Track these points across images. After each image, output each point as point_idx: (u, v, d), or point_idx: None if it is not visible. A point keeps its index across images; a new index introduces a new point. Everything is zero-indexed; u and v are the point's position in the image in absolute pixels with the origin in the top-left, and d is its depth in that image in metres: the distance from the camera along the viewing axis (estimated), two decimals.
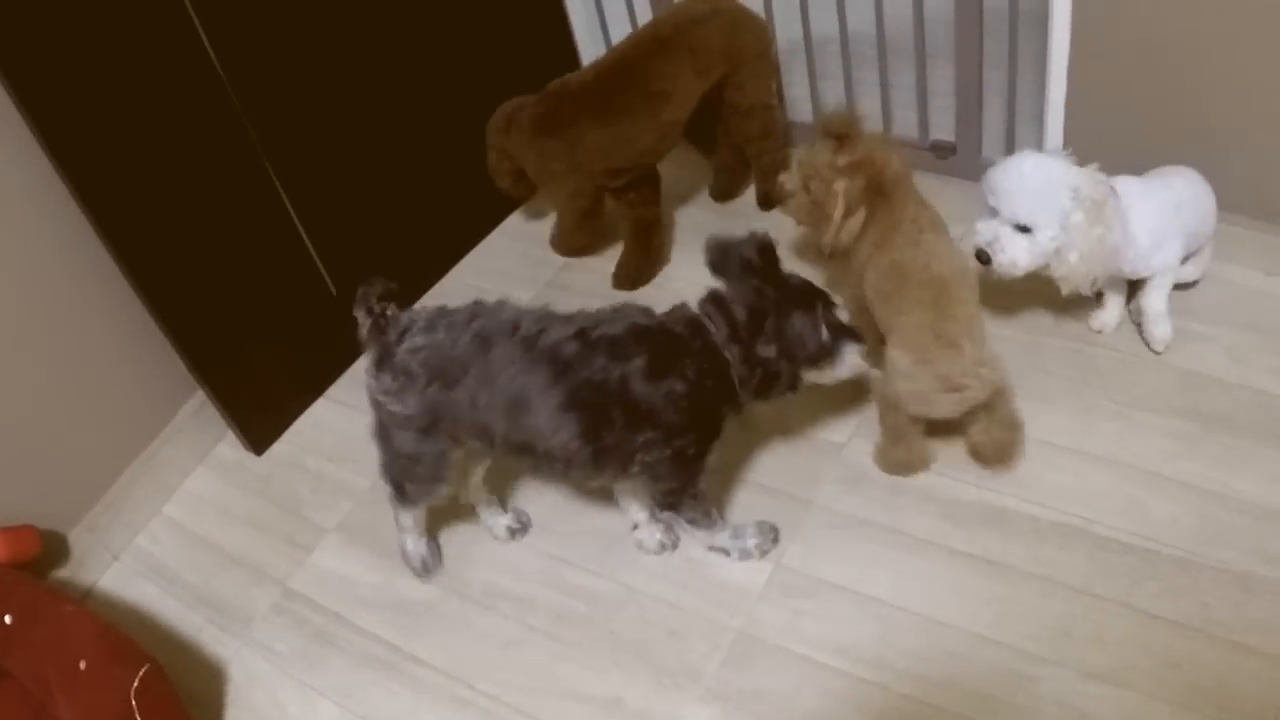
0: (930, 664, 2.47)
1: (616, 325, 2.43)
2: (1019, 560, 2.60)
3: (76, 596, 3.04)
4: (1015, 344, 3.08)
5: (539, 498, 3.04)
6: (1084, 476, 2.73)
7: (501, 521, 2.94)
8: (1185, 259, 2.95)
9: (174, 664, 2.71)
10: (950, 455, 2.84)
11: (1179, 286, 3.01)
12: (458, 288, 3.81)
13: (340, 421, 3.45)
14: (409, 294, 3.64)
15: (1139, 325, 3.02)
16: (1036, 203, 2.66)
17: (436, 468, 2.59)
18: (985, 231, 2.74)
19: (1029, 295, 3.17)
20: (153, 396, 3.25)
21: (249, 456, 3.39)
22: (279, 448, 3.41)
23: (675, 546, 2.84)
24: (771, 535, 2.77)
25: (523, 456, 2.50)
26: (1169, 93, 3.04)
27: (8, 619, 2.62)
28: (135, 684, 2.41)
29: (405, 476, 2.65)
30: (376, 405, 2.55)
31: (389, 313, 2.50)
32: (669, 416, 2.40)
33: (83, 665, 2.47)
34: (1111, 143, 2.93)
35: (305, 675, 2.79)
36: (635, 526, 2.84)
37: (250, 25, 3.01)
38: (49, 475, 3.03)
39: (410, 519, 2.83)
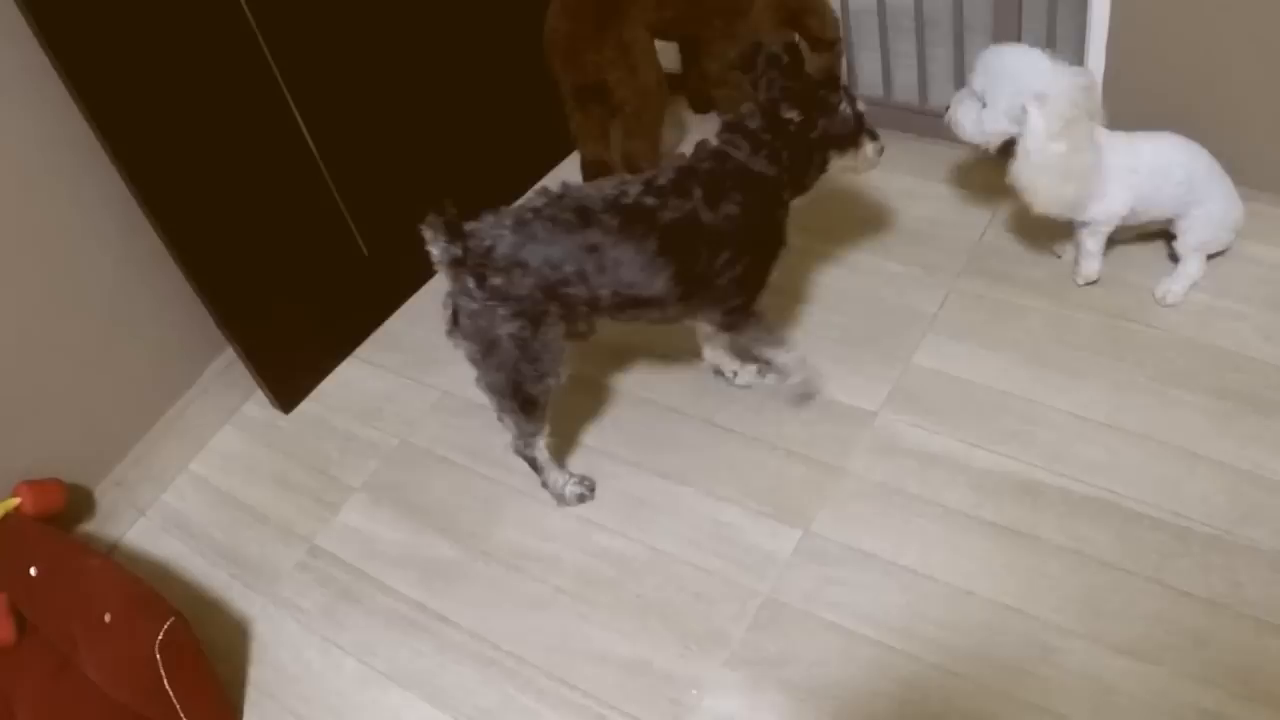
0: (958, 634, 2.46)
1: (667, 173, 2.65)
2: (1049, 533, 2.58)
3: (102, 551, 3.05)
4: (1046, 316, 3.07)
5: (570, 453, 3.05)
6: (1116, 452, 2.71)
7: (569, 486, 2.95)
8: (1158, 224, 3.06)
9: (199, 619, 2.72)
10: (985, 429, 2.83)
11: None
12: None
13: (369, 381, 3.45)
14: None
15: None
16: (995, 83, 2.79)
17: (553, 357, 2.65)
18: (956, 98, 2.89)
19: (1061, 267, 3.17)
20: (182, 353, 3.26)
21: (277, 415, 3.40)
22: (307, 406, 3.41)
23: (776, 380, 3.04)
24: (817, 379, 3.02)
25: (624, 312, 2.68)
26: (1206, 73, 3.02)
27: (33, 571, 2.63)
28: (160, 637, 2.42)
29: (527, 379, 2.65)
30: (480, 316, 2.57)
31: (467, 229, 2.55)
32: (734, 235, 2.63)
33: (107, 618, 2.48)
34: (1147, 122, 2.91)
35: (330, 632, 2.80)
36: (734, 374, 3.10)
37: None
38: (76, 429, 3.03)
39: (544, 449, 2.85)
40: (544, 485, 2.93)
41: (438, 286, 3.60)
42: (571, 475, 2.94)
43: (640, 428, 3.06)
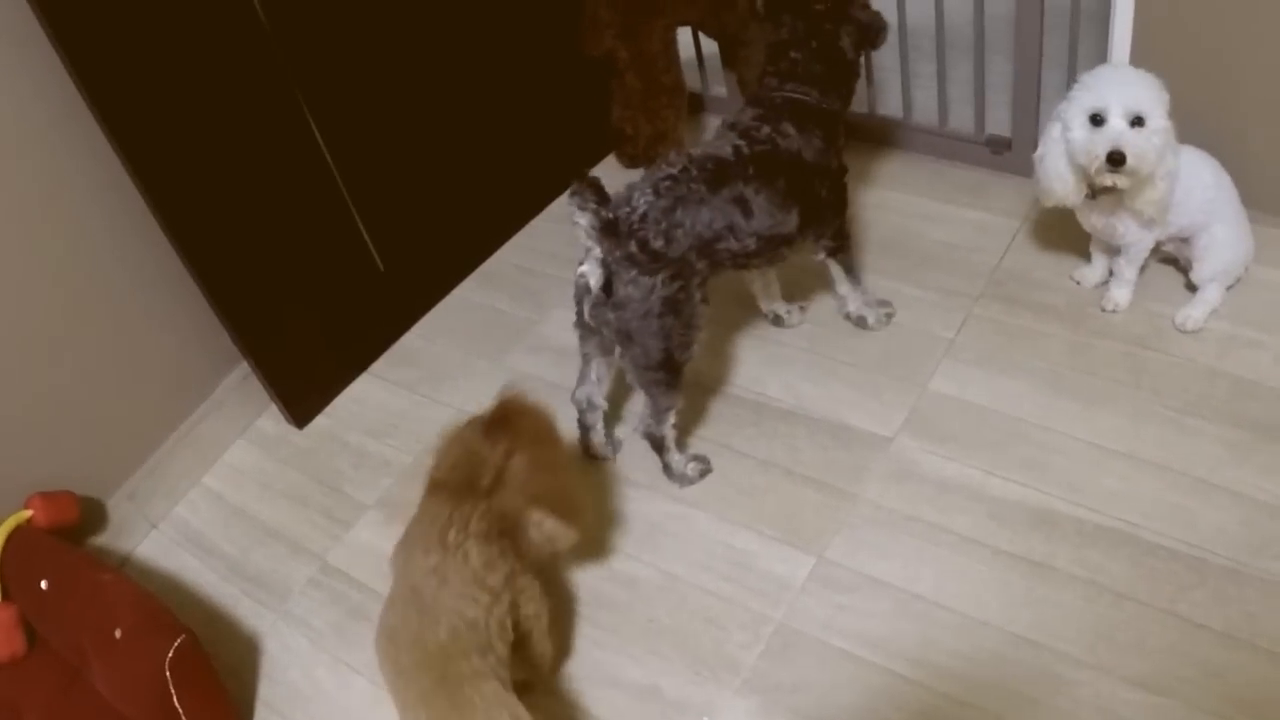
0: (971, 663, 2.44)
1: (750, 118, 2.83)
2: (1064, 563, 2.57)
3: (113, 564, 3.05)
4: (1064, 342, 3.06)
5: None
6: (1132, 481, 2.70)
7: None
8: (1168, 241, 3.04)
9: (209, 635, 2.72)
10: (1000, 457, 2.82)
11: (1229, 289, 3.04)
12: (503, 267, 3.81)
13: (383, 398, 3.44)
14: (452, 273, 3.65)
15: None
16: (1146, 90, 2.69)
17: (699, 320, 2.75)
18: (1102, 140, 2.70)
19: (1079, 293, 3.16)
20: (196, 367, 3.25)
21: (291, 430, 3.39)
22: (321, 422, 3.41)
23: (887, 318, 3.24)
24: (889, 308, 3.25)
25: (762, 255, 2.85)
26: (1224, 99, 3.01)
27: (44, 584, 2.63)
28: (170, 654, 2.41)
29: (677, 345, 2.71)
30: (640, 282, 2.62)
31: (608, 205, 2.59)
32: (825, 165, 2.86)
33: (118, 634, 2.48)
34: None
35: (341, 651, 2.79)
36: (789, 314, 3.30)
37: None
38: (90, 441, 3.03)
39: (673, 427, 2.88)
40: (665, 467, 2.95)
41: (452, 303, 3.64)
42: (689, 455, 2.97)
43: (648, 459, 3.03)
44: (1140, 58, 3.05)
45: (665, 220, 2.60)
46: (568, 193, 2.54)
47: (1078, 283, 3.19)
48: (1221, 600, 2.44)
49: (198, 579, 3.05)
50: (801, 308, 3.32)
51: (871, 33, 2.92)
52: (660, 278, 2.60)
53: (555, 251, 3.78)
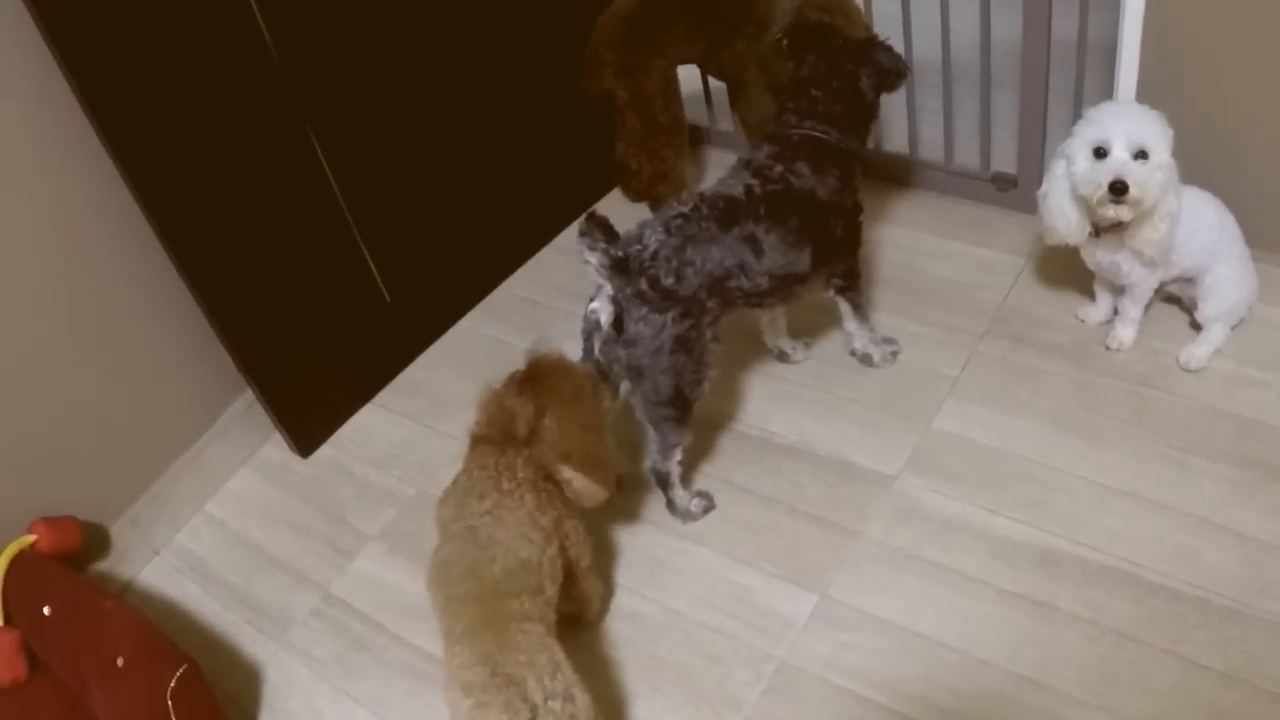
0: (973, 703, 2.44)
1: (765, 156, 2.84)
2: (1066, 603, 2.57)
3: (116, 590, 3.06)
4: (1068, 381, 3.06)
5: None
6: (1135, 520, 2.70)
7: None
8: (1171, 281, 3.04)
9: (211, 664, 2.71)
10: (1004, 495, 2.82)
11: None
12: (509, 299, 3.81)
13: (387, 428, 3.45)
14: (458, 304, 3.66)
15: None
16: (1150, 125, 2.68)
17: (710, 357, 2.77)
18: (1105, 171, 2.69)
19: (1084, 331, 3.17)
20: (201, 394, 3.25)
21: (294, 459, 3.39)
22: (325, 451, 3.41)
23: (893, 356, 3.24)
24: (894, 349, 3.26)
25: (775, 295, 2.86)
26: (1233, 136, 3.02)
27: (46, 610, 2.63)
28: (172, 684, 2.41)
29: (688, 382, 2.74)
30: (650, 319, 2.64)
31: (618, 243, 2.61)
32: (839, 205, 2.87)
33: (120, 662, 2.47)
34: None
35: (342, 682, 2.79)
36: (794, 350, 3.32)
37: (314, 30, 3.02)
38: (94, 467, 3.03)
39: (679, 464, 2.89)
40: (669, 503, 2.96)
41: (458, 334, 3.65)
42: (693, 492, 2.99)
43: (659, 487, 3.03)
44: (1146, 95, 3.06)
45: (676, 258, 2.63)
46: (578, 232, 2.56)
47: (1082, 321, 3.20)
48: (1224, 641, 2.43)
49: (199, 606, 3.04)
50: (806, 344, 3.33)
51: (892, 76, 2.91)
52: (671, 315, 2.62)
53: (561, 284, 3.79)
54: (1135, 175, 2.65)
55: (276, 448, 3.42)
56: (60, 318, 2.85)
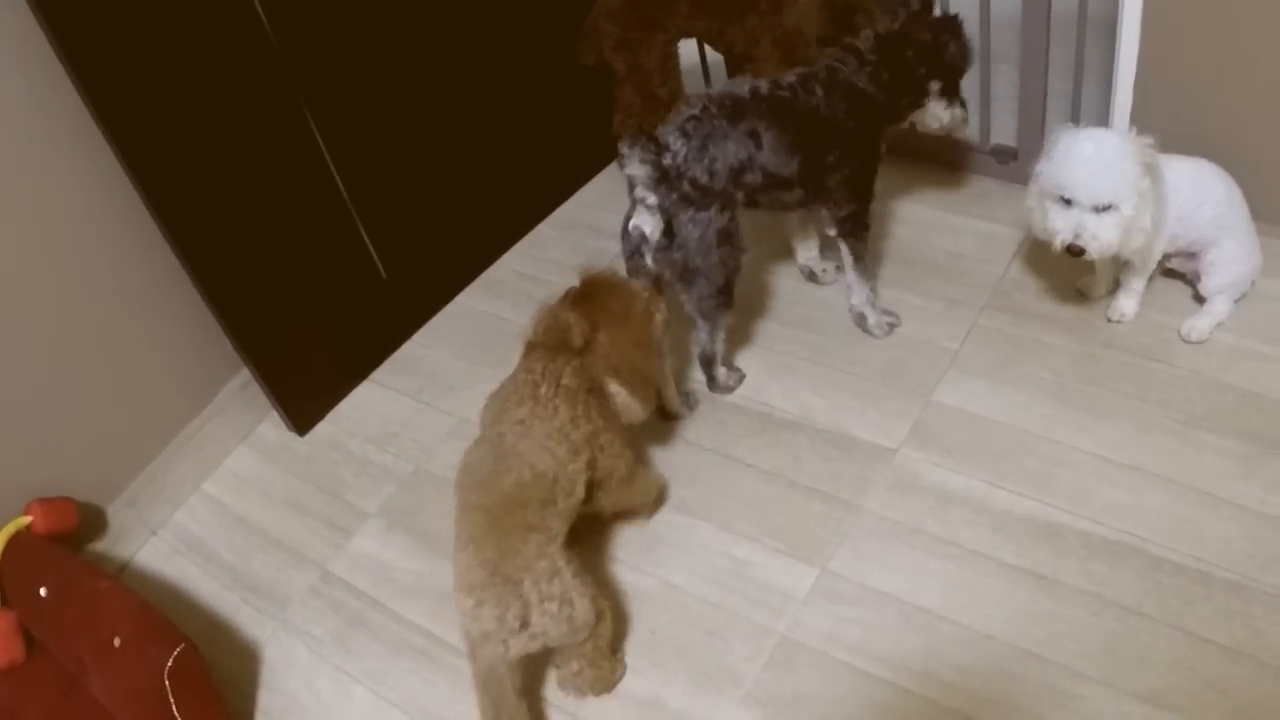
0: (975, 677, 2.43)
1: (790, 77, 2.91)
2: (1069, 576, 2.55)
3: (113, 570, 3.05)
4: (1069, 353, 3.05)
5: None
6: (1139, 494, 2.68)
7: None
8: (1175, 255, 3.02)
9: (208, 643, 2.71)
10: (1005, 469, 2.80)
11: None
12: (506, 275, 3.81)
13: (385, 405, 3.44)
14: (454, 280, 3.65)
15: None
16: (1114, 179, 2.65)
17: (741, 238, 2.91)
18: (1065, 225, 2.71)
19: (1085, 304, 3.15)
20: (197, 373, 3.24)
21: (292, 437, 3.39)
22: (322, 429, 3.40)
23: (889, 327, 3.25)
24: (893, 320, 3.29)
25: (768, 194, 2.93)
26: (1233, 107, 3.01)
27: (43, 591, 2.62)
28: (169, 664, 2.40)
29: (732, 269, 2.91)
30: (697, 219, 2.79)
31: (658, 143, 2.74)
32: (842, 138, 2.93)
33: (117, 642, 2.47)
34: (1176, 152, 2.88)
35: (341, 660, 2.78)
36: (824, 272, 3.44)
37: (309, 6, 3.00)
38: (90, 447, 3.02)
39: (723, 342, 3.09)
40: (710, 379, 3.18)
41: (455, 310, 3.64)
42: (730, 368, 3.21)
43: (657, 461, 3.04)
44: (1149, 68, 3.04)
45: (704, 156, 2.75)
46: (624, 147, 2.68)
47: (1083, 293, 3.17)
48: (1227, 614, 2.42)
49: (197, 586, 3.03)
50: (837, 267, 3.36)
51: (950, 71, 3.04)
52: (713, 210, 2.78)
53: (558, 259, 3.77)
54: (1093, 236, 2.69)
55: (273, 426, 3.42)
56: (55, 300, 2.84)
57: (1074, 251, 2.71)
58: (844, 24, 3.16)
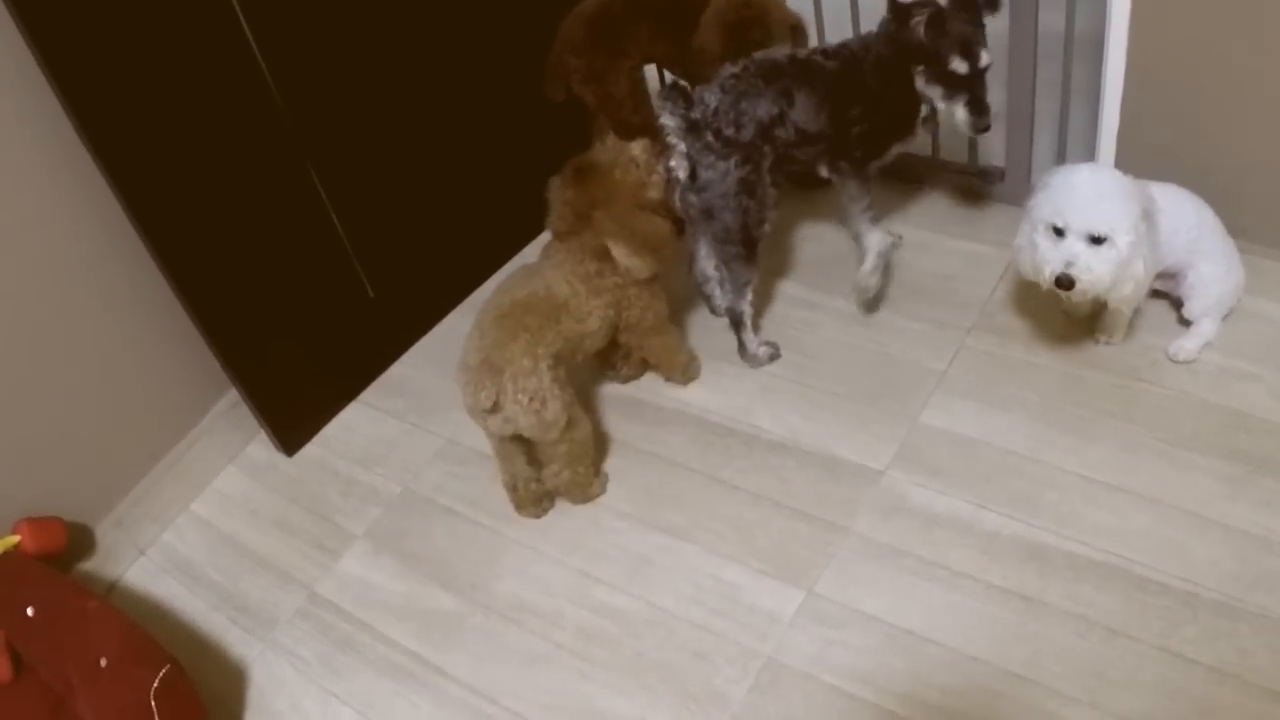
0: (962, 700, 2.43)
1: (833, 46, 3.09)
2: (1055, 598, 2.55)
3: (101, 590, 3.05)
4: (1056, 374, 3.04)
5: (572, 507, 3.03)
6: (1125, 515, 2.68)
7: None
8: (1157, 277, 2.96)
9: (196, 664, 2.72)
10: (992, 490, 2.80)
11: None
12: None
13: (372, 426, 3.44)
14: (442, 302, 3.65)
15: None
16: (1112, 209, 2.60)
17: (769, 198, 3.06)
18: (1055, 256, 2.66)
19: (1069, 326, 3.15)
20: (186, 393, 3.24)
21: (280, 457, 3.38)
22: (310, 450, 3.40)
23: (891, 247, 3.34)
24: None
25: (801, 149, 3.08)
26: (1224, 125, 3.01)
27: (30, 611, 2.61)
28: (155, 685, 2.41)
29: (753, 221, 3.06)
30: (718, 166, 2.97)
31: (691, 97, 2.94)
32: (869, 99, 3.04)
33: (103, 663, 2.47)
34: (1163, 173, 2.89)
35: (328, 682, 2.77)
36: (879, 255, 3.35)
37: (298, 27, 3.01)
38: (78, 467, 3.02)
39: (750, 304, 3.22)
40: (740, 345, 3.30)
41: (442, 332, 3.66)
42: (763, 339, 3.31)
43: (644, 482, 3.04)
44: (1136, 87, 3.05)
45: (733, 111, 2.94)
46: (659, 98, 2.92)
47: (1068, 314, 3.17)
48: (1213, 636, 2.42)
49: (185, 606, 3.03)
50: (898, 239, 3.48)
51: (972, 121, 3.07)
52: (734, 160, 2.95)
53: None
54: (1087, 267, 2.62)
55: (262, 446, 3.41)
56: (43, 320, 2.83)
57: (1063, 284, 2.65)
58: (740, 42, 3.21)
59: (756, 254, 3.12)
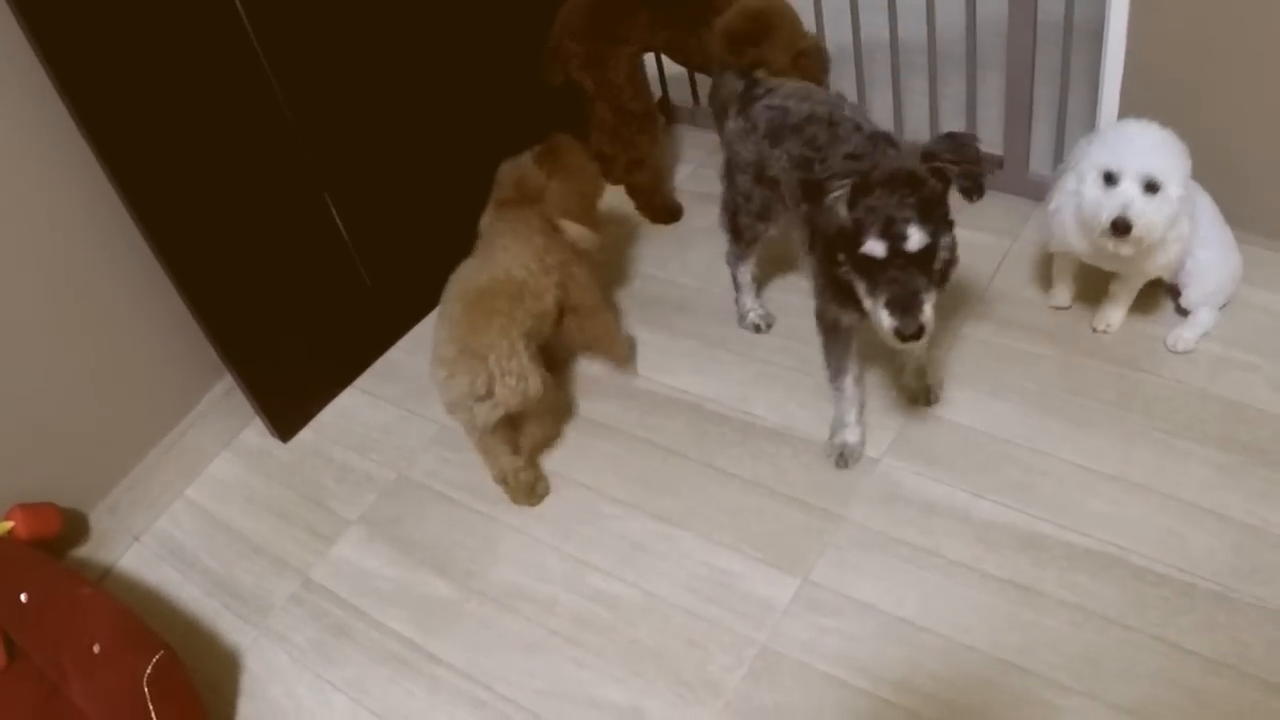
0: (956, 688, 2.42)
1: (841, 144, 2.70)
2: (1051, 587, 2.55)
3: (95, 576, 3.05)
4: (1053, 363, 3.05)
5: (567, 493, 3.03)
6: (1121, 504, 2.68)
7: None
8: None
9: (190, 650, 2.72)
10: (988, 479, 2.80)
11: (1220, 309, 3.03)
12: None
13: (367, 412, 3.43)
14: (438, 289, 3.64)
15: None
16: (1166, 159, 2.61)
17: (763, 208, 3.03)
18: (1110, 202, 2.62)
19: (1069, 313, 3.16)
20: (181, 379, 3.23)
21: (275, 444, 3.38)
22: (305, 436, 3.39)
23: None
24: None
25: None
26: (1222, 115, 3.00)
27: (24, 597, 2.61)
28: (149, 671, 2.41)
29: (740, 210, 3.08)
30: (728, 146, 3.04)
31: (758, 76, 3.01)
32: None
33: (97, 649, 2.47)
34: None
35: (321, 668, 2.77)
36: None
37: (296, 17, 3.00)
38: (73, 453, 3.01)
39: (747, 273, 3.31)
40: (735, 303, 3.39)
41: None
42: (761, 309, 3.38)
43: (639, 469, 3.04)
44: (1135, 75, 3.04)
45: (761, 115, 2.87)
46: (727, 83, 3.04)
47: (1056, 308, 3.18)
48: (1210, 626, 2.42)
49: (179, 592, 3.03)
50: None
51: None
52: (738, 149, 2.97)
53: None
54: (1141, 214, 2.59)
55: (256, 432, 3.41)
56: (38, 305, 2.83)
57: (1120, 228, 2.60)
58: (738, 54, 3.17)
59: (742, 242, 3.18)
